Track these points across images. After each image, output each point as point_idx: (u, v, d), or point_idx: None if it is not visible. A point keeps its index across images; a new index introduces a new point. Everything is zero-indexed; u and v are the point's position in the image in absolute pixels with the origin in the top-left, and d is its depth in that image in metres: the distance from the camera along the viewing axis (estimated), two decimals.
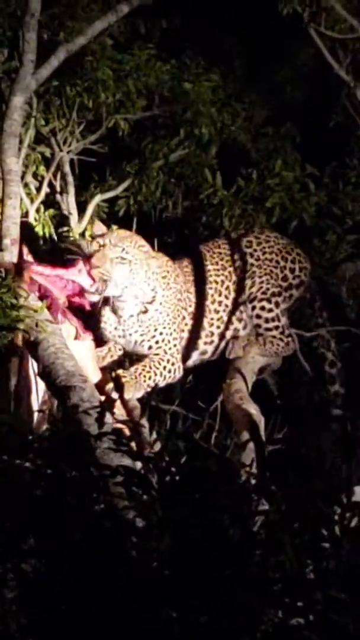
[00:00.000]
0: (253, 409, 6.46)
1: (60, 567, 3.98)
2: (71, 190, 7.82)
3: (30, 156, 7.60)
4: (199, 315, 6.99)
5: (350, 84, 6.16)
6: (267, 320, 6.99)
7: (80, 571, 3.93)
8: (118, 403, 6.44)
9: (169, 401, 6.88)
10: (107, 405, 5.38)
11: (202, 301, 7.01)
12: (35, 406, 6.59)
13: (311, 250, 7.77)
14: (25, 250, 6.77)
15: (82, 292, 6.62)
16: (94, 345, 6.68)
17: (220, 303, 7.02)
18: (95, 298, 6.64)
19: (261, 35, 8.34)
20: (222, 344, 7.04)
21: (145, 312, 6.76)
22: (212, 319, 7.01)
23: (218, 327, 7.02)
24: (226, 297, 7.04)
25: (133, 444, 4.75)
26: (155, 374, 6.67)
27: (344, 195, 8.08)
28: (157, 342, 6.79)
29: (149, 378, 6.64)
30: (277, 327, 6.99)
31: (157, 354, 6.75)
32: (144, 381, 6.59)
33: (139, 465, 4.23)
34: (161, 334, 6.79)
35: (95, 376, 6.53)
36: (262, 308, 7.00)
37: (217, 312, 7.02)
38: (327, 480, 4.12)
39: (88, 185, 8.09)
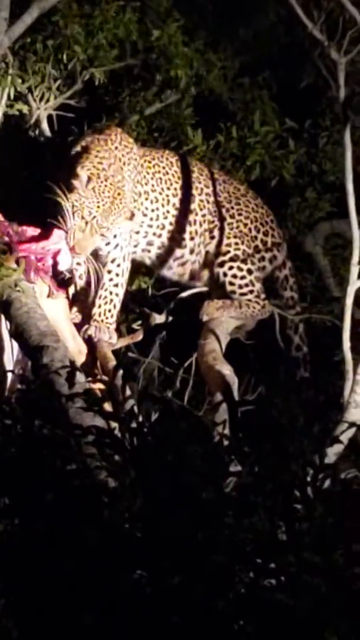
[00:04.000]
0: (227, 370, 6.44)
1: (32, 528, 3.97)
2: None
3: (7, 114, 7.52)
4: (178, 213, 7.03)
5: (324, 43, 6.07)
6: (240, 286, 6.95)
7: (53, 531, 3.92)
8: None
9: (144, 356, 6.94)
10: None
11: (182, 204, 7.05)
12: (8, 366, 6.57)
13: (290, 208, 7.76)
14: None
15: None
16: (68, 303, 6.65)
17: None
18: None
19: None
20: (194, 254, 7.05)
21: None
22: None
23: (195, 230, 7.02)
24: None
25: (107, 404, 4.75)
26: (113, 297, 6.73)
27: (322, 153, 8.06)
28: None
29: (112, 305, 6.71)
30: (251, 292, 6.96)
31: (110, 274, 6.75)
32: (107, 317, 6.70)
33: (112, 425, 4.22)
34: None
35: (69, 334, 6.50)
36: (234, 276, 6.96)
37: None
38: (300, 442, 4.12)
39: (66, 141, 8.03)
